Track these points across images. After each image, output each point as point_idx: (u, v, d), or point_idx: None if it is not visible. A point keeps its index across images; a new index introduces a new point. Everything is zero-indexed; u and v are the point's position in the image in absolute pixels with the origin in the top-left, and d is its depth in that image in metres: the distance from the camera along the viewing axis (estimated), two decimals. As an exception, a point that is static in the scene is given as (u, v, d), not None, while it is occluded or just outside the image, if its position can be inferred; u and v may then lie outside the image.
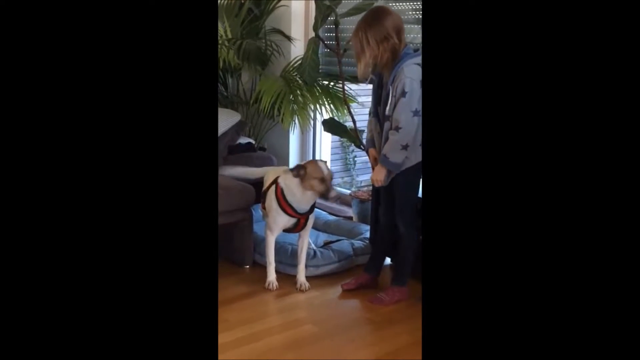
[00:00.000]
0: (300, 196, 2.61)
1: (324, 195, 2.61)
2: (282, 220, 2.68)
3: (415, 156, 2.38)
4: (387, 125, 2.38)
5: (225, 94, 3.85)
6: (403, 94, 2.26)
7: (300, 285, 2.70)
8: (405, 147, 2.32)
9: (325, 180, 2.57)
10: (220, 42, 3.46)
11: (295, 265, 2.82)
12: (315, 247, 2.95)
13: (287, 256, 2.85)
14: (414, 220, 2.51)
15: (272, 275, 2.72)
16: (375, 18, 2.31)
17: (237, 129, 3.41)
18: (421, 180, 2.47)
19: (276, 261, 2.75)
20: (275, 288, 2.69)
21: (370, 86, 2.57)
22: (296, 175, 2.59)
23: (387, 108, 2.34)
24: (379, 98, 2.46)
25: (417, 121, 2.29)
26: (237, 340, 2.25)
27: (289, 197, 2.63)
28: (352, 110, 3.34)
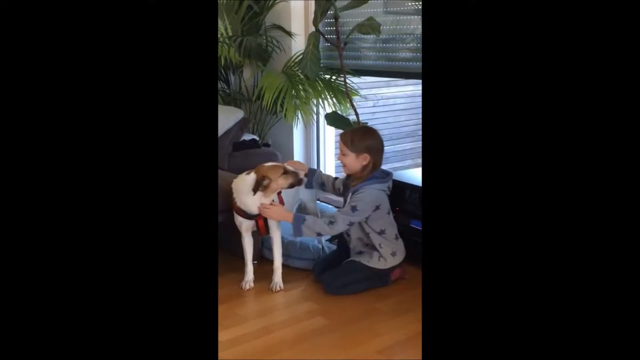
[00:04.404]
0: (248, 199, 2.59)
1: (299, 182, 2.62)
2: (239, 222, 2.68)
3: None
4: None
5: (228, 91, 3.86)
6: (353, 209, 2.53)
7: (275, 286, 2.68)
8: (334, 229, 2.57)
9: (288, 170, 2.60)
10: (221, 39, 3.47)
11: (303, 259, 2.85)
12: (323, 243, 2.96)
13: (295, 250, 2.87)
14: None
15: (249, 275, 2.72)
16: (361, 134, 2.63)
17: (241, 126, 3.43)
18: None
19: (284, 255, 2.77)
20: (249, 287, 2.69)
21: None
22: (263, 189, 2.56)
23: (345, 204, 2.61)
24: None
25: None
26: (249, 334, 2.28)
27: (238, 201, 2.63)
28: (354, 103, 3.36)
